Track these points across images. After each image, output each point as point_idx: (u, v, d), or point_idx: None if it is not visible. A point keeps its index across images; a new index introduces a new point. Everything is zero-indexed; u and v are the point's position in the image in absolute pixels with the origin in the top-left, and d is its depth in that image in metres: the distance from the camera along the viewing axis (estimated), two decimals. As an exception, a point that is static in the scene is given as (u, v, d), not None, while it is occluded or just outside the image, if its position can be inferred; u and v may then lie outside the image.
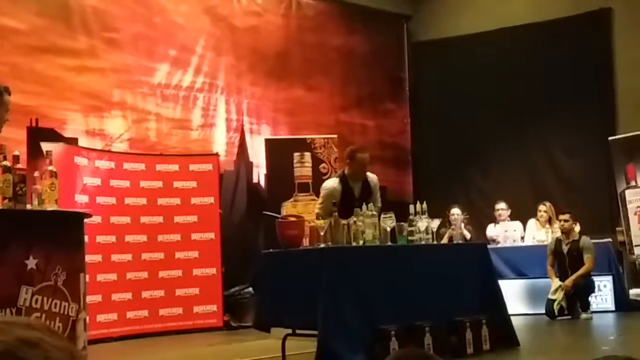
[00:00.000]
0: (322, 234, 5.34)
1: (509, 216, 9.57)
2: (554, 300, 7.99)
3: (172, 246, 8.01)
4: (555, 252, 8.29)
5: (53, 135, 7.28)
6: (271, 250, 5.91)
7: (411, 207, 5.76)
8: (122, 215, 7.75)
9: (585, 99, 10.49)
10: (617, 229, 9.20)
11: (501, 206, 9.55)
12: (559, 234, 8.46)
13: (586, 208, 9.48)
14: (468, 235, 9.04)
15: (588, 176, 10.39)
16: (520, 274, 8.88)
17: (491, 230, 9.62)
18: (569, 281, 7.99)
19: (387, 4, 11.66)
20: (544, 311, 8.11)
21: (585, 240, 8.20)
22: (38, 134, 6.95)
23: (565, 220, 8.26)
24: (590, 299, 8.08)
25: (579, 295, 8.01)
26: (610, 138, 9.47)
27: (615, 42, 10.52)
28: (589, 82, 10.51)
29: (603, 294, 8.44)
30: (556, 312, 7.95)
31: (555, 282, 8.09)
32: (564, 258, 8.20)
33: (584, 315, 7.89)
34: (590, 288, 8.08)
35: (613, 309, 8.39)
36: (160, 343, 7.35)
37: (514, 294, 8.32)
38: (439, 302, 5.51)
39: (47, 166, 4.00)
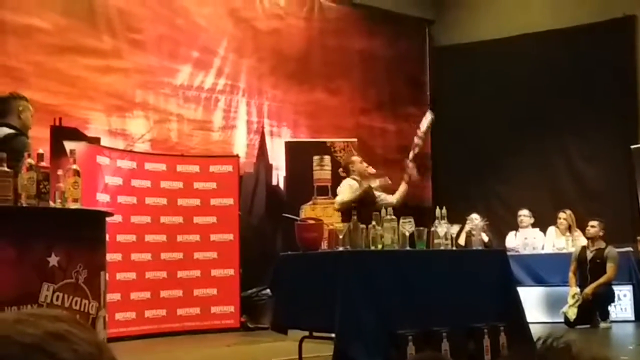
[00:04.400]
0: (340, 237, 5.35)
1: (532, 225, 9.48)
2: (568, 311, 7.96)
3: (191, 246, 8.05)
4: (579, 258, 8.23)
5: (76, 135, 7.33)
6: (289, 252, 5.91)
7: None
8: (143, 214, 7.80)
9: (607, 107, 10.39)
10: (638, 238, 9.10)
11: (524, 213, 9.46)
12: (581, 241, 8.40)
13: (607, 216, 9.31)
14: (486, 238, 8.96)
15: (609, 184, 10.29)
16: (540, 282, 8.82)
17: (511, 241, 9.49)
18: (589, 289, 7.92)
19: (410, 8, 11.63)
20: (562, 319, 8.05)
21: (611, 250, 8.15)
22: (61, 133, 7.01)
23: (592, 226, 8.21)
24: (609, 308, 8.01)
25: (599, 304, 7.94)
26: (632, 146, 9.38)
27: (639, 50, 10.41)
28: (611, 90, 10.41)
29: (623, 304, 8.36)
30: (571, 319, 7.90)
31: (573, 290, 8.03)
32: (585, 265, 8.14)
33: (602, 325, 7.82)
34: (610, 297, 8.01)
35: (633, 318, 8.31)
36: (178, 343, 7.38)
37: (533, 302, 8.27)
38: (457, 308, 5.47)
39: (71, 165, 4.03)
